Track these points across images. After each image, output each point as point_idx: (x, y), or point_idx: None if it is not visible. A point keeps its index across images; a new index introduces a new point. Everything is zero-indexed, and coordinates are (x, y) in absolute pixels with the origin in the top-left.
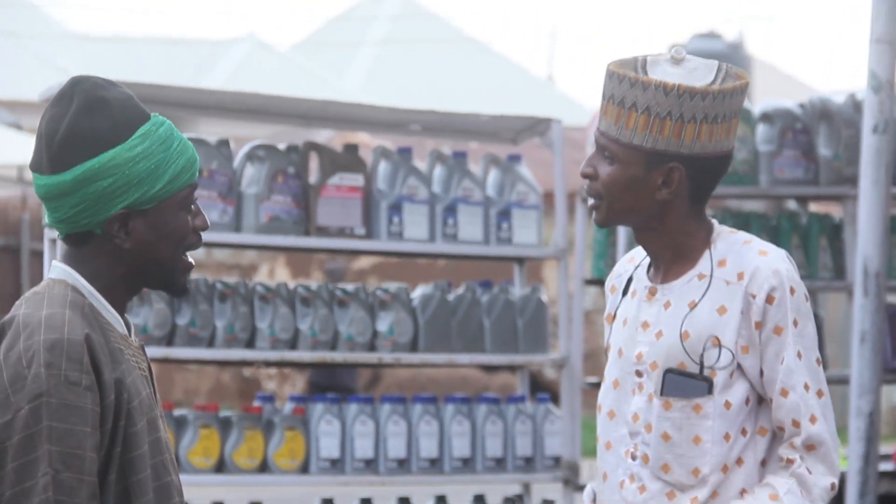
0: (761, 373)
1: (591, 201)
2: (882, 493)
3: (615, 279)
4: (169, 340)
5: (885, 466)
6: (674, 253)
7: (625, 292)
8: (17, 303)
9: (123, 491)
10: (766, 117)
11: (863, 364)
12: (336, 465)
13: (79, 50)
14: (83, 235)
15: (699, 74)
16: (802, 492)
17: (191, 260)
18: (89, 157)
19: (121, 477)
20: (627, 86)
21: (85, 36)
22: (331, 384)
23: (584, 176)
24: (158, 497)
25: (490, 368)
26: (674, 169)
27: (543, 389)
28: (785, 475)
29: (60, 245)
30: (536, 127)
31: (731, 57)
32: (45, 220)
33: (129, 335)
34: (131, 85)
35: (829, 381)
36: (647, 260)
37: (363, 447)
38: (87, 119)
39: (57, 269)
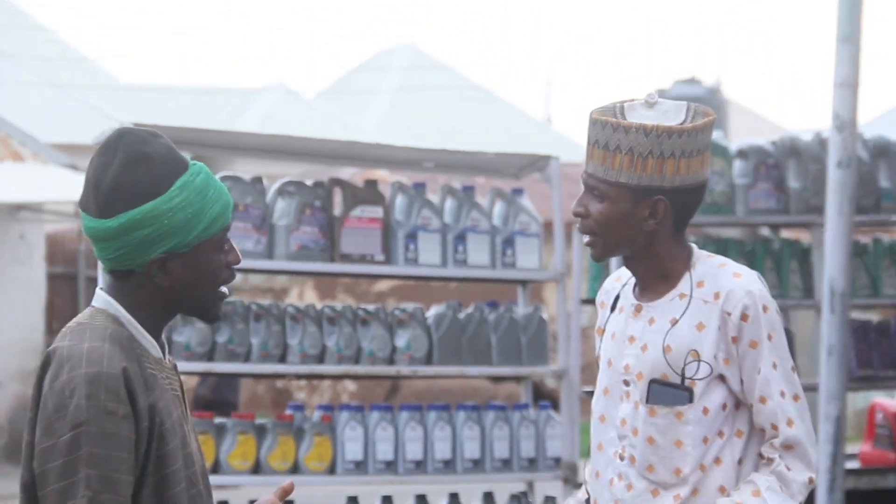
0: (741, 382)
1: (586, 238)
2: (849, 489)
3: (604, 295)
4: (210, 356)
5: (851, 465)
6: (658, 275)
7: (613, 308)
8: (63, 332)
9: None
10: (742, 154)
11: (830, 374)
12: (360, 467)
13: (127, 99)
14: (125, 272)
15: (671, 115)
16: (782, 487)
17: (225, 290)
18: (132, 207)
19: (155, 491)
20: (610, 130)
21: (132, 86)
22: (215, 399)
23: (577, 214)
24: None
25: (497, 379)
26: (658, 201)
27: (545, 398)
28: (766, 472)
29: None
30: (536, 163)
31: (710, 100)
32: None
33: (165, 356)
34: (176, 129)
35: None
36: (633, 279)
37: (384, 450)
38: (130, 172)
39: (100, 298)
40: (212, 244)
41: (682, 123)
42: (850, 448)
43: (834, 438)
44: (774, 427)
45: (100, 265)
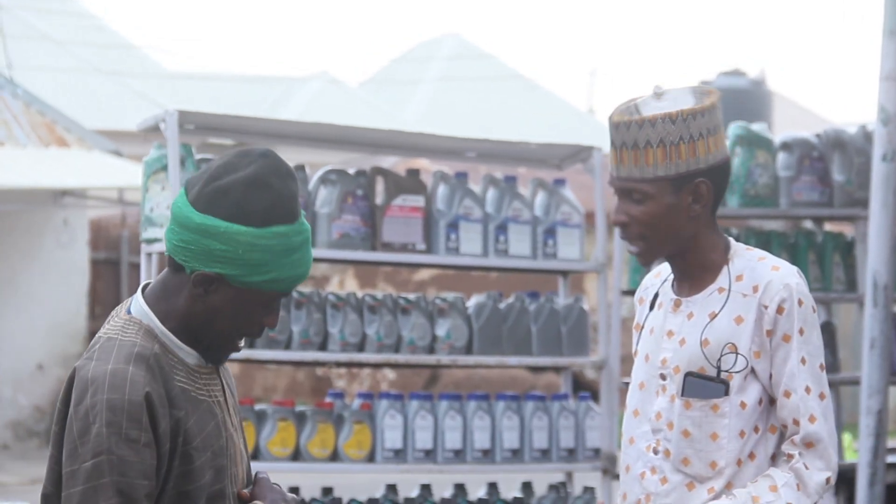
0: (770, 376)
1: (632, 247)
2: (890, 483)
3: (643, 292)
4: (251, 343)
5: (893, 459)
6: (699, 269)
7: (652, 304)
8: (91, 346)
9: None
10: (786, 146)
11: (872, 367)
12: (399, 455)
13: (172, 86)
14: (178, 265)
15: (682, 101)
16: (799, 485)
17: (241, 346)
18: (224, 218)
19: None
20: (636, 128)
21: (177, 74)
22: None
23: (619, 224)
24: None
25: (536, 369)
26: (700, 183)
27: (584, 388)
28: (785, 469)
29: (155, 262)
30: (579, 154)
31: (754, 92)
32: (142, 236)
33: (205, 361)
34: (220, 117)
35: (842, 383)
36: (672, 275)
37: (423, 439)
38: (246, 189)
39: (137, 306)
40: (262, 298)
41: (698, 104)
42: (892, 442)
43: (875, 432)
44: (796, 422)
45: (144, 249)
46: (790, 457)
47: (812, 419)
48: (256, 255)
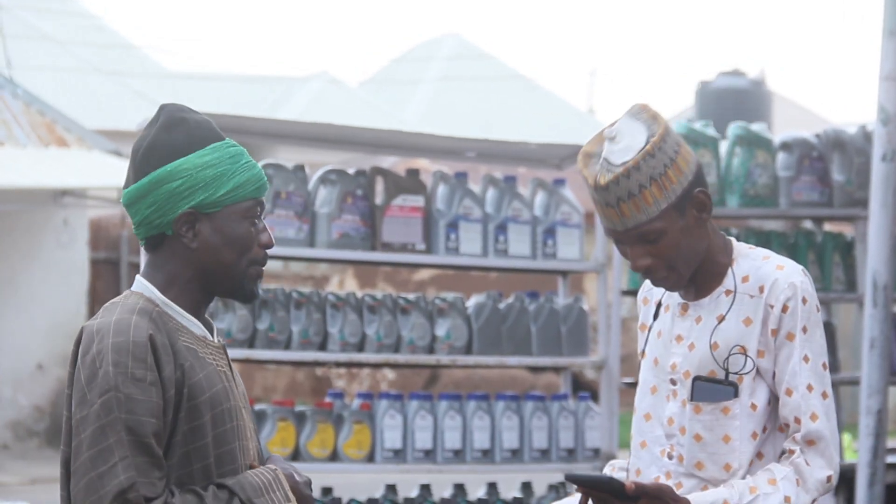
0: (774, 374)
1: (662, 283)
2: (889, 483)
3: (647, 292)
4: (250, 343)
5: (893, 459)
6: (705, 273)
7: (657, 306)
8: (98, 312)
9: (187, 475)
10: (786, 146)
11: (872, 367)
12: (399, 455)
13: (171, 86)
14: (158, 238)
15: (637, 130)
16: (798, 480)
17: (259, 269)
18: (164, 163)
19: (184, 463)
20: (625, 180)
21: (177, 74)
22: None
23: (644, 268)
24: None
25: (536, 369)
26: (698, 193)
27: (584, 388)
28: (785, 463)
29: (143, 254)
30: (578, 154)
31: (754, 92)
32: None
33: (212, 336)
34: (219, 117)
35: (842, 383)
36: None
37: (423, 439)
38: (166, 133)
39: (137, 283)
40: (241, 211)
41: (650, 128)
42: (892, 442)
43: (875, 432)
44: (797, 420)
45: (142, 251)
46: (791, 452)
47: (814, 417)
48: (209, 171)
